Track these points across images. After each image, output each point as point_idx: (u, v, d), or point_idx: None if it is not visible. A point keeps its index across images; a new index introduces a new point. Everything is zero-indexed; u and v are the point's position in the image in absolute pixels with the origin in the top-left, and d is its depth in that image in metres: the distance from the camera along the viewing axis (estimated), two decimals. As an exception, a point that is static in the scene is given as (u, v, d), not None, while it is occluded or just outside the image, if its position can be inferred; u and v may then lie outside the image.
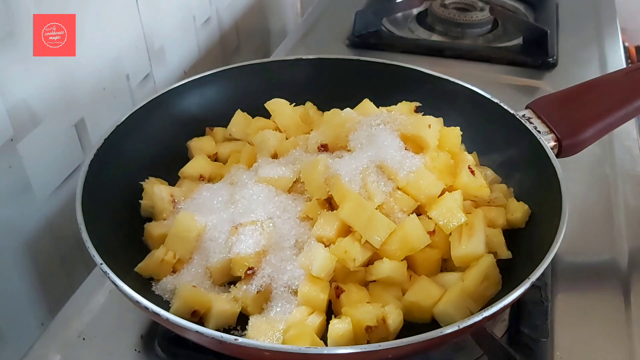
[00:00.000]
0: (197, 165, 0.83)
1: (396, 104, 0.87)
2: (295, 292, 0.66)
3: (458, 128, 0.80)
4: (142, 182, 0.78)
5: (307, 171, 0.72)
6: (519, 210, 0.74)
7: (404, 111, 0.84)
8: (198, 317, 0.65)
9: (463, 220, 0.69)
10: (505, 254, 0.70)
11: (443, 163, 0.75)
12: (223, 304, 0.66)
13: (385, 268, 0.66)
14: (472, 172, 0.75)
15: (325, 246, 0.67)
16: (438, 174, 0.73)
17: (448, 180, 0.74)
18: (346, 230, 0.69)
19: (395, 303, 0.65)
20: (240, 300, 0.67)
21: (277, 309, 0.65)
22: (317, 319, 0.64)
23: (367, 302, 0.65)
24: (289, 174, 0.74)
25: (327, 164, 0.71)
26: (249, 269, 0.67)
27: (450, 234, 0.70)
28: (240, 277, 0.68)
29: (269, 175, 0.74)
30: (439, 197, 0.71)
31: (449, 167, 0.76)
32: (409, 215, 0.69)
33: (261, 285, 0.67)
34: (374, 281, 0.68)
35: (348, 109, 0.81)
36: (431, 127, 0.75)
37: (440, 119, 0.81)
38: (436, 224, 0.70)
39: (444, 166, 0.75)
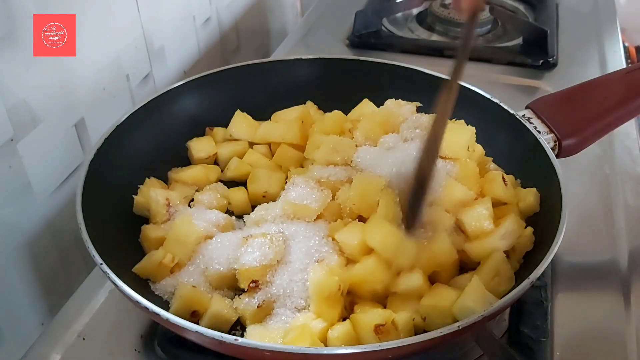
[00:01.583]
0: (191, 172, 0.84)
1: (396, 104, 0.87)
2: (298, 310, 0.65)
3: (474, 128, 0.78)
4: (141, 185, 0.78)
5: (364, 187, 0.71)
6: (529, 195, 0.73)
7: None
8: (198, 317, 0.65)
9: (491, 229, 0.69)
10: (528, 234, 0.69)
11: (471, 171, 0.75)
12: (220, 307, 0.65)
13: (411, 282, 0.65)
14: (505, 182, 0.74)
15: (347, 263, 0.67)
16: (467, 182, 0.73)
17: (476, 188, 0.73)
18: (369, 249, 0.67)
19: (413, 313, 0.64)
20: (240, 311, 0.66)
21: (277, 324, 0.64)
22: (320, 324, 0.62)
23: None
24: (315, 205, 0.73)
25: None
26: (253, 281, 0.66)
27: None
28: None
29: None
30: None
31: (476, 175, 0.75)
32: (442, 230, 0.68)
33: (263, 301, 0.65)
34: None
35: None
36: (462, 139, 0.74)
37: (472, 128, 0.78)
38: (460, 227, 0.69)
39: (472, 174, 0.75)
